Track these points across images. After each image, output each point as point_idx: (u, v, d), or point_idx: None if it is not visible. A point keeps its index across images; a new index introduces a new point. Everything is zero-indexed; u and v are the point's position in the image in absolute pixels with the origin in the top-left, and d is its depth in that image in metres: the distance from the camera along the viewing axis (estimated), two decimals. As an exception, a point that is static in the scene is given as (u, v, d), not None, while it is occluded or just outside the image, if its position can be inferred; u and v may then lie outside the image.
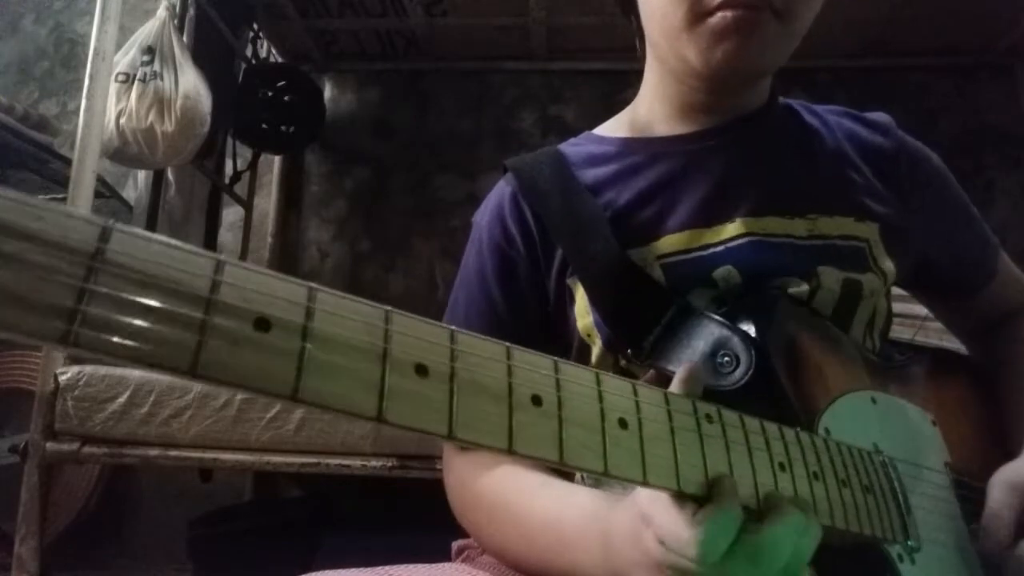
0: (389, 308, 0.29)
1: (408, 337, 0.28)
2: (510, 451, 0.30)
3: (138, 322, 0.22)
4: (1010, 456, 0.59)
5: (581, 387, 0.33)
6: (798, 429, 0.44)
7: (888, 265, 0.62)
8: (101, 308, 0.22)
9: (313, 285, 0.26)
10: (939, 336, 0.94)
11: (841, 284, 0.58)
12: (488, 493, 0.57)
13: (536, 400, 0.31)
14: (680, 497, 0.37)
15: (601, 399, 0.34)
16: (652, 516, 0.39)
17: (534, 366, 0.32)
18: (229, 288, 0.24)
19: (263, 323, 0.24)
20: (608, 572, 0.45)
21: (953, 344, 0.80)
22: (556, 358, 0.33)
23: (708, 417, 0.39)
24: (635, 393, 0.36)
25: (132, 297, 0.22)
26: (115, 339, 0.22)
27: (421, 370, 0.28)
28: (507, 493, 0.56)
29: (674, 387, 0.40)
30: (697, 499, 0.36)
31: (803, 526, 0.38)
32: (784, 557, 0.37)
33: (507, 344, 0.32)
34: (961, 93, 2.45)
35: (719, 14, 0.55)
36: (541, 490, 0.54)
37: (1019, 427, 0.63)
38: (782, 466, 0.41)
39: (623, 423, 0.34)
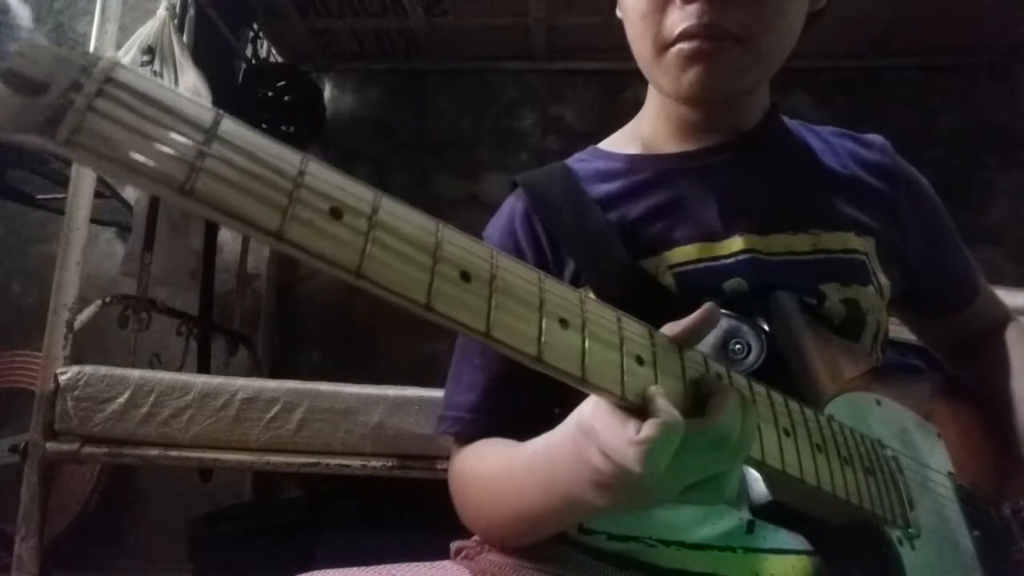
0: (441, 221, 0.32)
1: (456, 246, 0.32)
2: (538, 359, 0.32)
3: (241, 180, 0.27)
4: (1017, 463, 0.60)
5: (603, 320, 0.37)
6: (803, 405, 0.45)
7: (884, 279, 0.63)
8: (213, 164, 0.26)
9: (378, 191, 0.31)
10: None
11: (845, 303, 0.59)
12: (464, 470, 0.60)
13: (563, 322, 0.34)
14: (623, 409, 0.37)
15: (621, 331, 0.37)
16: (595, 429, 0.39)
17: (563, 295, 0.35)
18: (312, 177, 0.29)
19: (337, 212, 0.29)
20: (558, 498, 0.46)
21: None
22: (581, 292, 0.36)
23: (718, 376, 0.40)
24: (651, 337, 0.39)
25: (238, 158, 0.27)
26: (223, 188, 0.26)
27: (465, 276, 0.31)
28: (478, 464, 0.58)
29: (690, 320, 0.41)
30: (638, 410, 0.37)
31: (742, 410, 0.38)
32: (732, 443, 0.38)
33: (540, 271, 0.35)
34: (961, 93, 2.44)
35: (677, 46, 0.57)
36: (505, 451, 0.55)
37: (1014, 435, 0.64)
38: (786, 431, 0.43)
39: (639, 359, 0.37)
